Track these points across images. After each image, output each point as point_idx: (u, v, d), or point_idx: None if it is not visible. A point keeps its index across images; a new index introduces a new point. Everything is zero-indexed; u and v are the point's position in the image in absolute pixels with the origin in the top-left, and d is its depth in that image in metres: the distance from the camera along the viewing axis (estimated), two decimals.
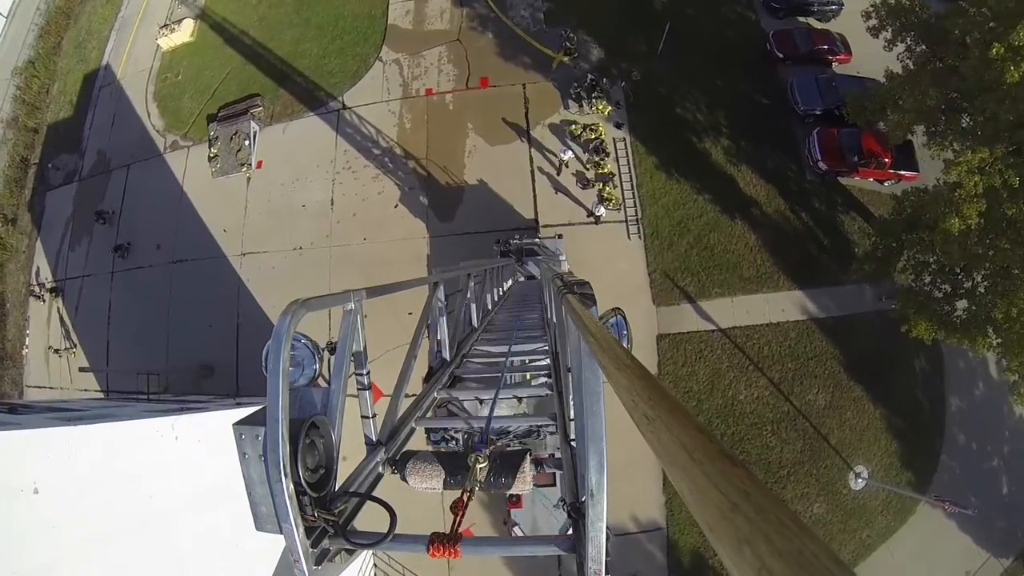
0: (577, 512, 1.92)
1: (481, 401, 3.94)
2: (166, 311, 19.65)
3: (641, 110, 20.63)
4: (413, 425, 3.06)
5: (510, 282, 13.08)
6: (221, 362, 18.79)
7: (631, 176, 19.80)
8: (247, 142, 20.18)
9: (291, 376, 1.92)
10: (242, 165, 20.12)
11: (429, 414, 3.69)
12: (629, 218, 19.28)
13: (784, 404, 17.00)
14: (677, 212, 19.33)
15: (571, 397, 2.69)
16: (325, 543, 1.95)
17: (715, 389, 17.00)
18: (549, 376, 4.05)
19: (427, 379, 4.10)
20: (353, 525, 2.11)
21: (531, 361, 5.39)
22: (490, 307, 8.00)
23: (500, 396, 3.16)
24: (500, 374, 3.80)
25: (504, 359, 4.32)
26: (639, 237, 19.03)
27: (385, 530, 1.89)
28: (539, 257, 15.75)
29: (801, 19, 22.22)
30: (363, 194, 19.63)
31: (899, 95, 15.04)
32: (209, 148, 20.70)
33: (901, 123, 14.37)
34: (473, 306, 6.30)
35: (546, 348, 4.86)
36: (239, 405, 13.75)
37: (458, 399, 3.97)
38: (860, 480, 16.49)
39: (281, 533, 1.78)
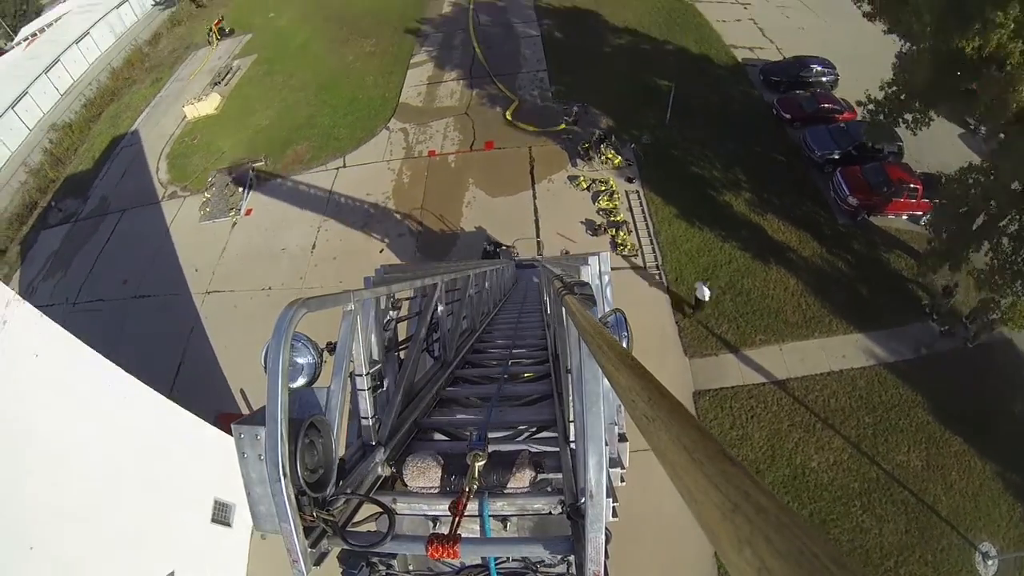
0: (576, 513, 1.89)
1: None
2: (113, 347, 16.82)
3: (653, 167, 19.67)
4: (413, 424, 3.01)
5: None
6: None
7: (648, 224, 17.94)
8: (241, 189, 19.47)
9: (291, 376, 1.90)
10: (231, 210, 19.11)
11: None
12: (648, 264, 16.89)
13: (871, 469, 12.46)
14: (702, 258, 16.94)
15: (571, 398, 2.53)
16: (324, 543, 1.88)
17: (777, 455, 12.57)
18: (548, 377, 3.97)
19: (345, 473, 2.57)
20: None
21: (531, 362, 5.07)
22: (491, 308, 8.00)
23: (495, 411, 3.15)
24: (500, 374, 3.96)
25: (504, 360, 4.52)
26: (661, 282, 16.41)
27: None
28: (536, 268, 13.36)
29: (800, 93, 22.33)
30: (348, 239, 18.06)
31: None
32: (204, 194, 20.02)
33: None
34: (472, 307, 6.26)
35: (545, 349, 4.83)
36: None
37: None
38: (990, 562, 11.84)
39: (280, 532, 1.71)
